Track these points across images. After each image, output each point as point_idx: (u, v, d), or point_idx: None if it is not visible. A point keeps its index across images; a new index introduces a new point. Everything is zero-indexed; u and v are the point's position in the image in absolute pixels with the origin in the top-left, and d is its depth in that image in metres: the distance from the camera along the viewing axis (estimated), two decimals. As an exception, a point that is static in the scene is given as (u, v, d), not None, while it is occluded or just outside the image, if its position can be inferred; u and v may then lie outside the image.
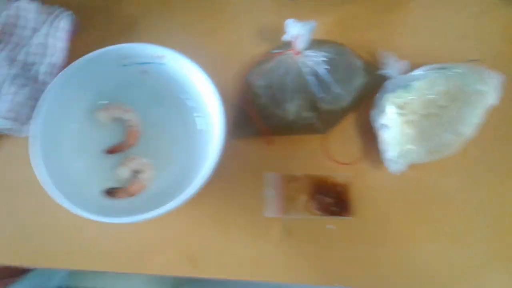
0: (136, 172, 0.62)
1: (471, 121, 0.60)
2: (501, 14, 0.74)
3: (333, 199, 0.62)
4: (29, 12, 0.73)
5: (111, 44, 0.64)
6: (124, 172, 0.61)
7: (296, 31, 0.63)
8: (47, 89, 0.59)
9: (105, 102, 0.65)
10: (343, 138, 0.66)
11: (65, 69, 0.60)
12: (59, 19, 0.72)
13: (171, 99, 0.65)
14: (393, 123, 0.60)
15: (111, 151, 0.63)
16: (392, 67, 0.65)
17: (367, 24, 0.74)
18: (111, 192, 0.60)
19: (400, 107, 0.60)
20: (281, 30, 0.64)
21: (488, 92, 0.61)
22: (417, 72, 0.63)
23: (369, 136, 0.65)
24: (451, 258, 0.59)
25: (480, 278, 0.59)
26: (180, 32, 0.75)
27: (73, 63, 0.60)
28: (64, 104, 0.60)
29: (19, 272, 0.86)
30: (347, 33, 0.73)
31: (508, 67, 0.67)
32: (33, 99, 0.66)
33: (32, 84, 0.68)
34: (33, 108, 0.65)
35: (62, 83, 0.60)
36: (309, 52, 0.65)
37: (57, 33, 0.71)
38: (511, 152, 0.64)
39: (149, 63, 0.63)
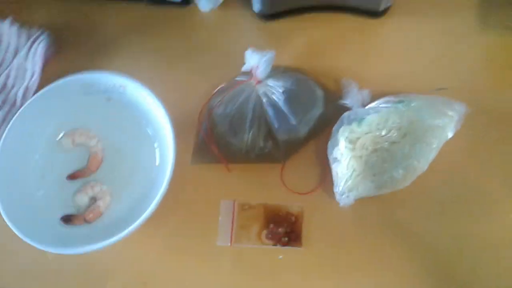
0: (94, 199, 0.64)
1: (425, 156, 0.59)
2: (476, 41, 0.72)
3: (285, 229, 0.62)
4: (11, 35, 0.77)
5: (83, 68, 0.66)
6: (82, 199, 0.63)
7: (254, 61, 0.64)
8: (12, 120, 0.62)
9: (69, 128, 0.67)
10: (301, 167, 0.66)
11: (27, 102, 0.63)
12: (37, 42, 0.75)
13: (133, 126, 0.67)
14: (343, 158, 0.60)
15: (73, 177, 0.65)
16: (352, 97, 0.64)
17: (337, 48, 0.74)
18: (67, 219, 0.62)
19: (351, 141, 0.59)
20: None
21: (447, 125, 0.60)
22: (373, 105, 0.62)
23: (325, 166, 0.64)
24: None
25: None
26: (151, 57, 0.77)
27: (37, 94, 0.64)
28: (26, 134, 0.64)
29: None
30: (315, 58, 0.73)
31: (474, 98, 0.65)
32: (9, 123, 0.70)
33: (9, 107, 0.72)
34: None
35: (27, 112, 0.63)
36: (270, 81, 0.65)
37: (35, 57, 0.75)
38: (464, 187, 0.63)
39: (111, 91, 0.65)
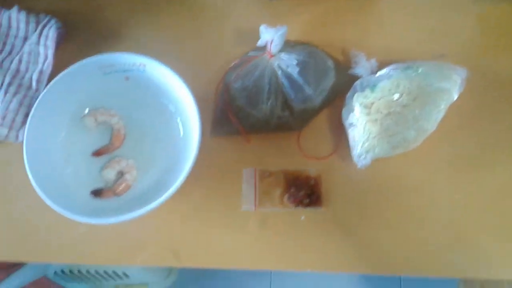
0: (121, 173, 0.67)
1: (434, 117, 0.64)
2: (471, 10, 0.76)
3: (305, 192, 0.66)
4: (20, 22, 0.77)
5: (94, 51, 0.68)
6: (110, 174, 0.66)
7: (269, 36, 0.67)
8: (36, 102, 0.64)
9: (91, 108, 0.70)
10: (316, 134, 0.70)
11: (51, 82, 0.65)
12: (47, 28, 0.76)
13: (154, 104, 0.70)
14: (359, 122, 0.64)
15: (98, 153, 0.68)
16: (362, 66, 0.69)
17: (340, 22, 0.78)
18: (98, 193, 0.65)
19: (366, 106, 0.63)
20: (258, 31, 0.68)
21: (452, 88, 0.65)
22: (383, 72, 0.66)
23: (339, 132, 0.69)
24: (413, 241, 0.64)
25: (446, 262, 0.63)
26: (161, 36, 0.79)
27: (58, 75, 0.65)
28: (51, 114, 0.66)
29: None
30: (321, 32, 0.77)
31: (473, 62, 0.71)
32: (26, 106, 0.72)
33: (25, 91, 0.73)
34: (26, 115, 0.70)
35: (49, 95, 0.65)
36: (283, 55, 0.69)
37: (47, 41, 0.76)
38: (469, 144, 0.68)
39: (130, 70, 0.67)
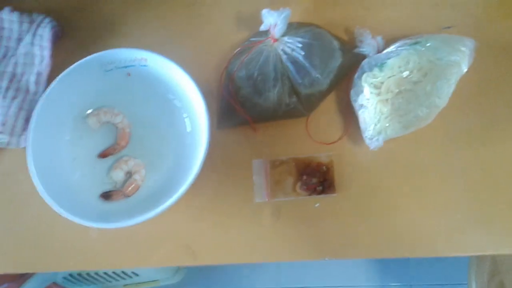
0: (130, 174, 0.65)
1: (445, 92, 0.62)
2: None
3: (318, 179, 0.65)
4: (13, 23, 0.75)
5: (92, 48, 0.66)
6: (118, 175, 0.64)
7: (272, 20, 0.64)
8: (37, 106, 0.62)
9: (94, 108, 0.68)
10: (325, 118, 0.68)
11: (51, 84, 0.63)
12: (42, 27, 0.74)
13: (159, 99, 0.68)
14: (369, 103, 0.62)
15: (104, 154, 0.66)
16: (368, 44, 0.66)
17: (341, 0, 0.75)
18: (107, 195, 0.63)
19: (375, 87, 0.61)
20: (258, 16, 0.66)
21: (461, 60, 0.63)
22: (391, 49, 0.64)
23: (349, 114, 0.67)
24: (432, 221, 0.63)
25: (461, 240, 0.62)
26: (159, 28, 0.76)
27: (58, 77, 0.63)
28: (53, 117, 0.64)
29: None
30: (322, 11, 0.74)
31: (480, 32, 0.69)
32: (26, 111, 0.70)
33: (24, 95, 0.71)
34: (27, 119, 0.69)
35: (50, 98, 0.63)
36: (287, 39, 0.67)
37: (42, 42, 0.73)
38: (481, 117, 0.66)
39: (131, 66, 0.65)
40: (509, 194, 0.63)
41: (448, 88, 0.62)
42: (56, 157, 0.64)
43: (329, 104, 0.69)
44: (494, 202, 0.63)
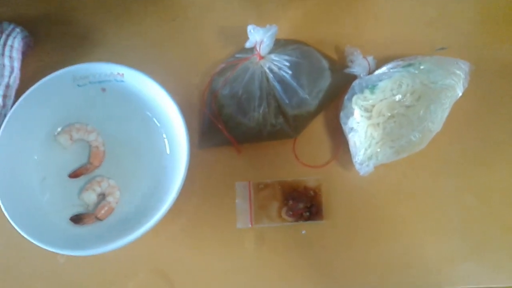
0: (103, 195, 0.61)
1: (439, 116, 0.60)
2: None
3: (305, 204, 0.62)
4: (-18, 32, 0.70)
5: (65, 60, 0.62)
6: (90, 196, 0.60)
7: (258, 37, 0.61)
8: (5, 121, 0.57)
9: (66, 124, 0.63)
10: (313, 140, 0.65)
11: (20, 98, 0.58)
12: (12, 37, 0.69)
13: (136, 117, 0.64)
14: (360, 127, 0.59)
15: (75, 175, 0.61)
16: (358, 64, 0.64)
17: (332, 16, 0.72)
18: (78, 219, 0.59)
19: (366, 109, 0.58)
20: (243, 31, 0.62)
21: (456, 84, 0.60)
22: (383, 70, 0.61)
23: (338, 137, 0.64)
24: (424, 251, 0.60)
25: (454, 268, 0.60)
26: (138, 42, 0.71)
27: (28, 90, 0.58)
28: (21, 134, 0.59)
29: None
30: (311, 28, 0.71)
31: (474, 53, 0.67)
32: (-6, 125, 0.65)
33: (-9, 108, 0.66)
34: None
35: (19, 112, 0.58)
36: (273, 56, 0.63)
37: (12, 52, 0.68)
38: (476, 142, 0.64)
39: (107, 81, 0.61)
40: (503, 221, 0.61)
41: (442, 113, 0.59)
42: (23, 176, 0.59)
43: (317, 126, 0.65)
44: (491, 229, 0.61)
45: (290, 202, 0.62)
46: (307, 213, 0.61)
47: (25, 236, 0.53)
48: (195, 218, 0.62)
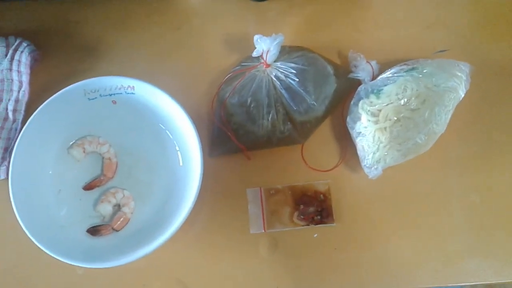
0: (118, 206, 0.62)
1: (443, 118, 0.61)
2: (468, 2, 0.74)
3: (315, 208, 0.63)
4: (-11, 48, 0.70)
5: (72, 73, 0.63)
6: (106, 208, 0.61)
7: (264, 46, 0.63)
8: (19, 136, 0.58)
9: (78, 137, 0.64)
10: (321, 145, 0.66)
11: (33, 114, 0.59)
12: (19, 51, 0.69)
13: (148, 128, 0.65)
14: (367, 131, 0.60)
15: (90, 187, 0.62)
16: (362, 69, 0.65)
17: (334, 22, 0.74)
18: (94, 231, 0.60)
19: (373, 114, 0.60)
20: (248, 38, 0.63)
21: (458, 86, 0.62)
22: (387, 75, 0.63)
23: (344, 140, 0.66)
24: (432, 249, 0.62)
25: (461, 265, 0.61)
26: (144, 52, 0.73)
27: (40, 106, 0.59)
28: (35, 149, 0.60)
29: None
30: (314, 34, 0.73)
31: (473, 55, 0.69)
32: (5, 140, 0.66)
33: (1, 123, 0.67)
34: (5, 149, 0.65)
35: (32, 128, 0.59)
36: (279, 64, 0.65)
37: (20, 67, 0.69)
38: (479, 143, 0.66)
39: (118, 93, 0.62)
40: (508, 218, 0.62)
41: (446, 115, 0.61)
42: (39, 190, 0.60)
43: (324, 130, 0.67)
44: (495, 227, 0.62)
45: (301, 206, 0.63)
46: (318, 217, 0.63)
47: (44, 249, 0.54)
48: (209, 225, 0.64)
